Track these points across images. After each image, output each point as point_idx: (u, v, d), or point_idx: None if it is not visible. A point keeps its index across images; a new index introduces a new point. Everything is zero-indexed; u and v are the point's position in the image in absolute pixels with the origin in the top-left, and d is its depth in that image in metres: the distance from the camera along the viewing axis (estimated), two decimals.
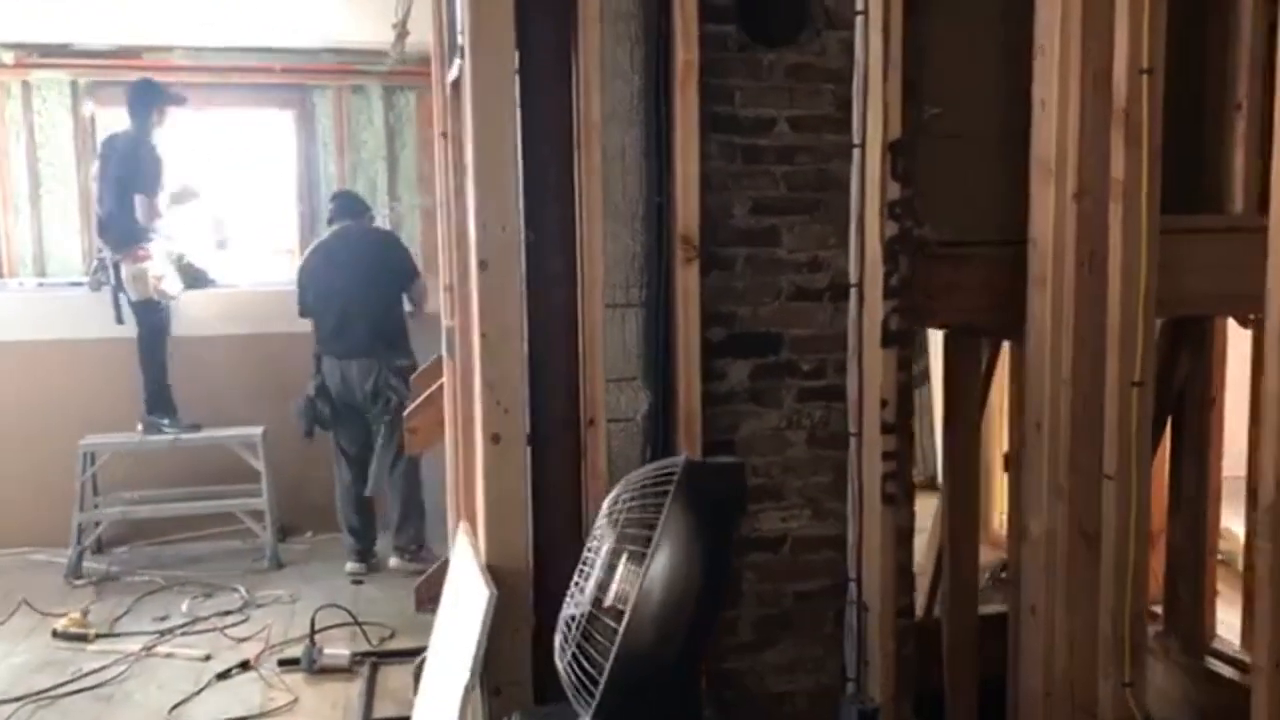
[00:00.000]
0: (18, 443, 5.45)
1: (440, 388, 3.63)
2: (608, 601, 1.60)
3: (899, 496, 2.40)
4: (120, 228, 5.15)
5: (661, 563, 1.50)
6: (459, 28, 2.28)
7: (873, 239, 2.34)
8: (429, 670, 2.55)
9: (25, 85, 5.74)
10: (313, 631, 4.00)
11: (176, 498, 5.31)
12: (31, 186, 5.79)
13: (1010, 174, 2.45)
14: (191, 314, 5.51)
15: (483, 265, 2.17)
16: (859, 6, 2.33)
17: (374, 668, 3.94)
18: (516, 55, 2.14)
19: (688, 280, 2.27)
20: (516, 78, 2.15)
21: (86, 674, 3.92)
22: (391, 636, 4.27)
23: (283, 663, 3.98)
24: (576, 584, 1.66)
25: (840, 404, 2.47)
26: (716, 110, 2.34)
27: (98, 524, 5.28)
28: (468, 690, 2.01)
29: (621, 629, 1.47)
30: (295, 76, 6.00)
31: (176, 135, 5.56)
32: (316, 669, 3.91)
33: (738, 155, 2.37)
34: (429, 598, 4.48)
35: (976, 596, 2.90)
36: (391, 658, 4.02)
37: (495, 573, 2.17)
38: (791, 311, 2.44)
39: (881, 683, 2.40)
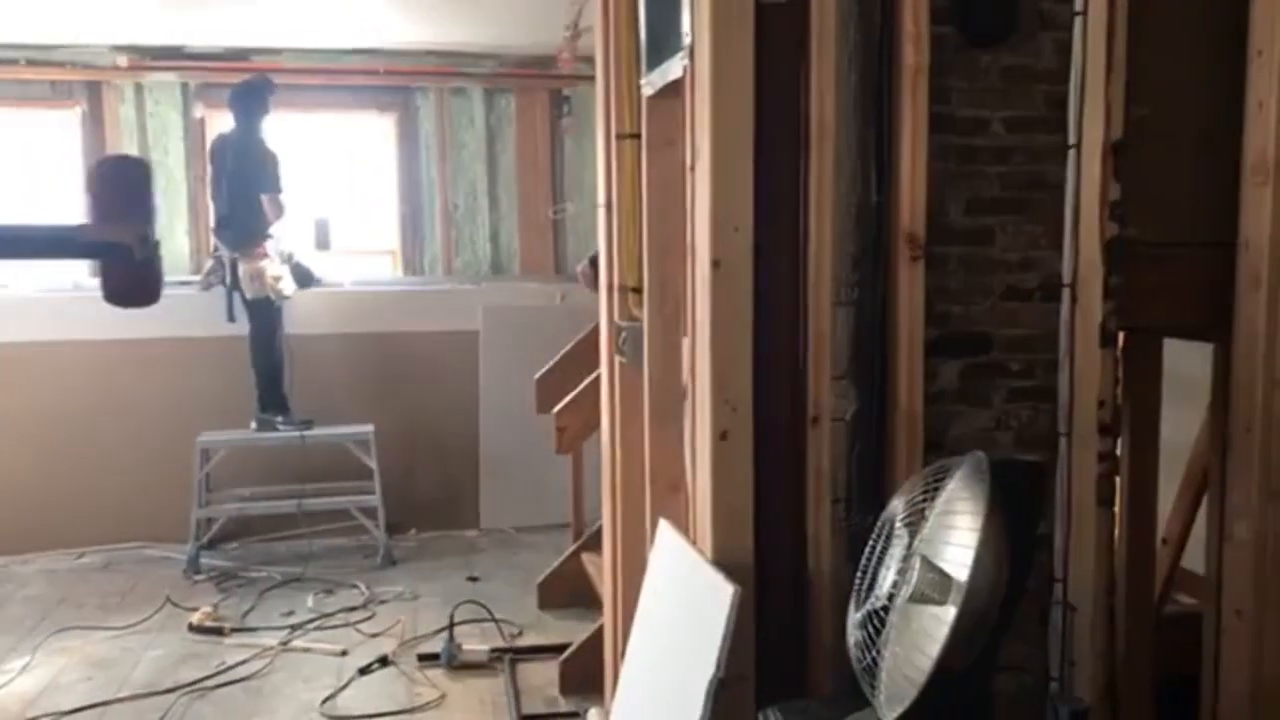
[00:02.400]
0: (132, 440, 5.55)
1: (590, 388, 3.65)
2: (902, 600, 1.61)
3: (1111, 498, 2.40)
4: (239, 227, 5.23)
5: (980, 563, 1.51)
6: (683, 29, 2.30)
7: (1090, 240, 2.34)
8: (635, 665, 2.56)
9: (138, 88, 5.83)
10: (452, 627, 4.04)
11: (289, 494, 5.38)
12: None
13: (1214, 175, 2.45)
14: (301, 313, 5.58)
15: (715, 265, 2.19)
16: (1078, 7, 2.33)
17: (513, 664, 3.97)
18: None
19: (912, 279, 2.28)
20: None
21: (230, 667, 3.98)
22: (520, 634, 4.31)
23: (422, 658, 4.03)
24: (861, 582, 1.67)
25: (1047, 405, 2.47)
26: (933, 110, 2.35)
27: (212, 521, 5.35)
28: (713, 683, 2.04)
29: (948, 628, 1.49)
30: (399, 79, 6.07)
31: (282, 136, 5.64)
32: (456, 664, 3.95)
33: (953, 155, 2.38)
34: (554, 597, 4.55)
35: (1154, 599, 2.90)
36: (528, 654, 4.05)
37: (723, 569, 2.18)
38: (1002, 311, 2.44)
39: (1091, 683, 2.40)
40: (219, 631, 4.32)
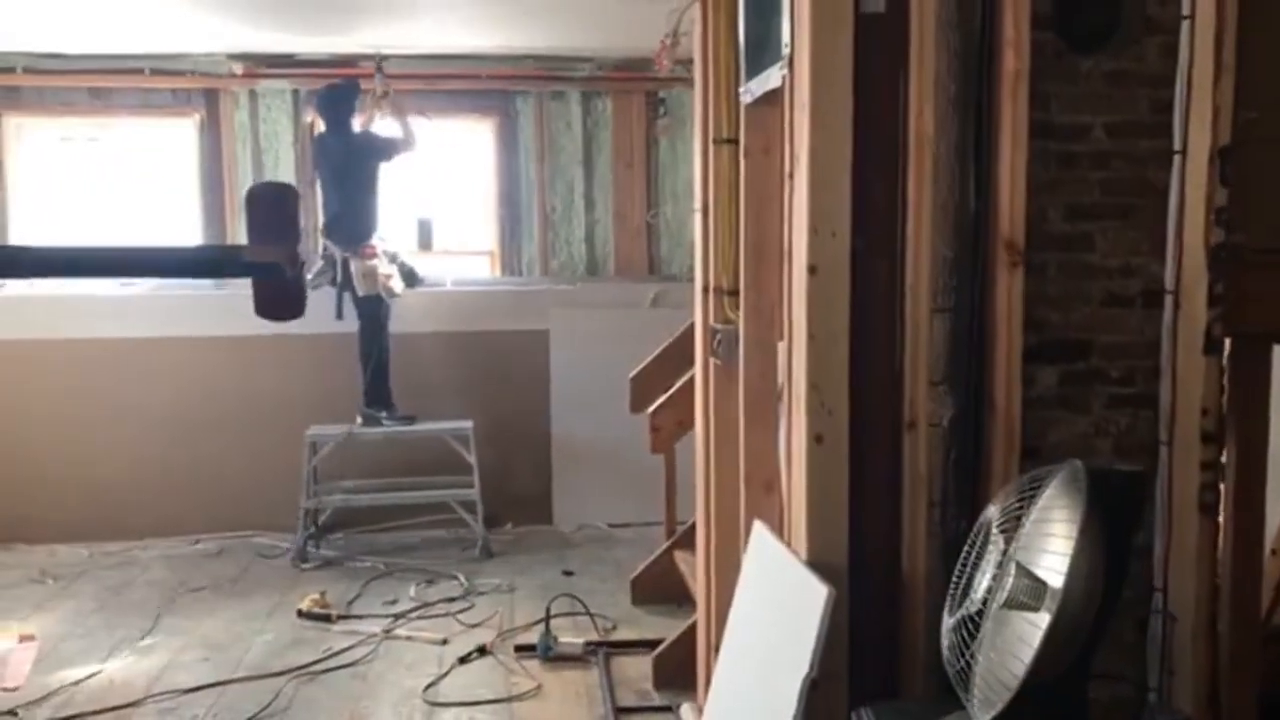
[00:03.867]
0: (246, 432, 5.79)
1: (684, 388, 3.71)
2: (996, 605, 1.63)
3: (1214, 506, 2.37)
4: (349, 226, 5.42)
5: (1075, 571, 1.53)
6: (783, 40, 2.34)
7: (1196, 246, 2.32)
8: (727, 661, 2.62)
9: (252, 95, 6.07)
10: (548, 620, 4.14)
11: (391, 487, 5.56)
12: None
13: None
14: (404, 312, 5.75)
15: (812, 270, 2.23)
16: (1185, 11, 2.31)
17: (607, 658, 4.05)
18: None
19: (1011, 285, 2.29)
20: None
21: (337, 653, 4.15)
22: (614, 628, 4.39)
23: (519, 649, 4.14)
24: (956, 586, 1.70)
25: (1147, 412, 2.45)
26: (1033, 116, 2.35)
27: (319, 511, 5.55)
28: (806, 682, 2.08)
29: (1042, 635, 1.51)
30: (499, 83, 6.20)
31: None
32: (552, 656, 4.05)
33: (1053, 161, 2.38)
34: (647, 593, 4.62)
35: (1260, 611, 2.84)
36: (622, 648, 4.13)
37: (817, 571, 2.22)
38: (1102, 318, 2.43)
39: (1192, 695, 2.37)
40: (326, 618, 4.50)
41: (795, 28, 2.27)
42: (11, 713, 3.64)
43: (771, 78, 2.45)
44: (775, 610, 2.38)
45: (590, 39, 5.80)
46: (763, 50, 2.56)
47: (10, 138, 6.01)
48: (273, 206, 1.19)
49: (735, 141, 2.87)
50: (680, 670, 3.69)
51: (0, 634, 4.33)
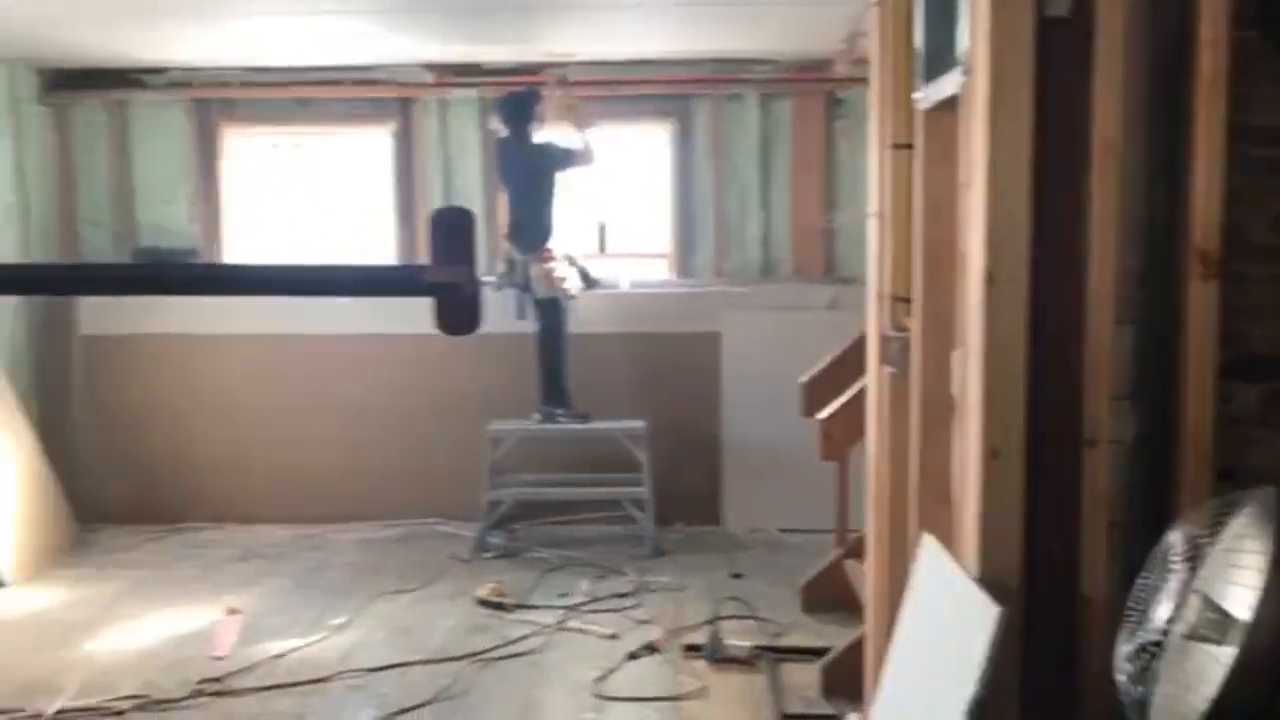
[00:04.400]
0: (432, 426, 6.07)
1: (857, 395, 3.67)
2: (1177, 635, 1.56)
3: None
4: (530, 230, 5.61)
5: (1265, 606, 1.45)
6: (960, 45, 2.30)
7: None
8: (894, 675, 2.59)
9: (442, 103, 6.36)
10: (716, 621, 4.18)
11: (566, 482, 5.72)
12: (445, 196, 6.40)
13: None
14: (582, 312, 5.90)
15: (989, 279, 2.18)
16: None
17: (774, 663, 4.05)
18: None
19: (1204, 298, 2.17)
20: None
21: (513, 641, 4.31)
22: (782, 634, 4.39)
23: (687, 648, 4.19)
24: (1134, 613, 1.64)
25: None
26: (1232, 120, 2.22)
27: (499, 503, 5.77)
28: (973, 703, 2.04)
29: (1227, 670, 1.44)
30: (677, 87, 6.28)
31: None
32: (718, 658, 4.09)
33: (1255, 168, 2.25)
34: (816, 600, 4.60)
35: None
36: (789, 654, 4.13)
37: (988, 589, 2.17)
38: None
39: None
40: (503, 607, 4.68)
41: (974, 33, 2.22)
42: (218, 679, 3.95)
43: (948, 83, 2.40)
44: (943, 626, 2.34)
45: (768, 41, 5.80)
46: (940, 55, 2.52)
47: (226, 148, 6.48)
48: (453, 229, 1.27)
49: (910, 147, 2.82)
50: (848, 680, 3.66)
51: (211, 607, 4.71)
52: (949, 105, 2.46)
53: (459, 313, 1.25)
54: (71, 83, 6.28)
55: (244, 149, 6.57)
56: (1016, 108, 2.15)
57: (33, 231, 6.11)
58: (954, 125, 2.44)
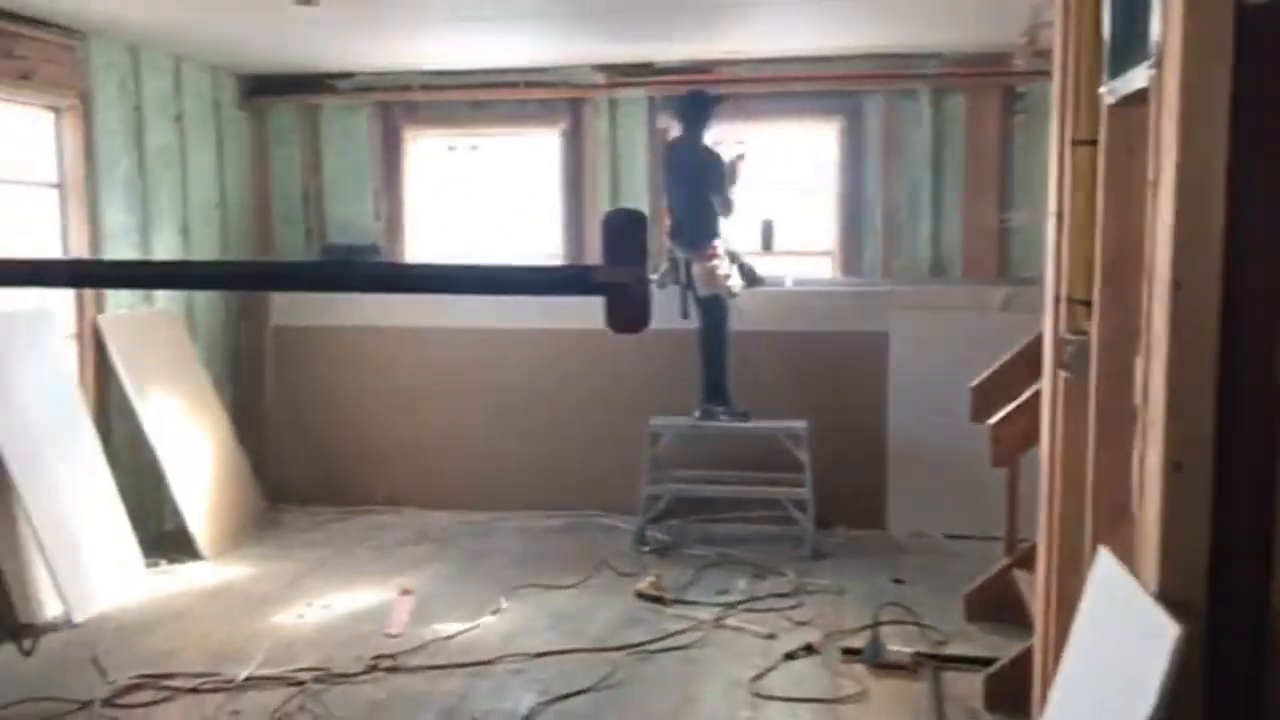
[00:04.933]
0: (593, 419, 6.19)
1: (1029, 401, 3.55)
2: None
3: None
4: (691, 230, 5.64)
5: None
6: (1151, 36, 2.19)
7: None
8: (1064, 693, 2.50)
9: (612, 103, 6.46)
10: (877, 626, 4.12)
11: (725, 480, 5.73)
12: (612, 195, 6.52)
13: None
14: (744, 311, 5.90)
15: (1176, 285, 2.07)
16: None
17: (936, 671, 3.96)
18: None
19: None
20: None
21: (669, 635, 4.35)
22: (945, 642, 4.28)
23: (845, 652, 4.14)
24: None
25: None
26: None
27: (658, 498, 5.83)
28: None
29: None
30: (847, 84, 6.19)
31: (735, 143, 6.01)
32: (878, 663, 4.02)
33: None
34: (981, 609, 4.46)
35: None
36: (952, 663, 4.03)
37: (1168, 607, 2.07)
38: None
39: None
40: (661, 601, 4.73)
41: (1167, 21, 2.11)
42: (392, 657, 4.14)
43: (1137, 77, 2.29)
44: (1119, 644, 2.24)
45: (942, 34, 5.66)
46: (1128, 46, 2.40)
47: (408, 149, 6.77)
48: (623, 232, 1.31)
49: (1094, 143, 2.71)
50: (1013, 693, 3.54)
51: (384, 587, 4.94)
52: (1137, 99, 2.35)
53: (627, 312, 1.29)
54: (267, 88, 6.68)
55: (424, 150, 6.85)
56: (1212, 102, 2.03)
57: (230, 229, 6.53)
58: (1142, 120, 2.32)
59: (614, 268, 1.24)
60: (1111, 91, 2.56)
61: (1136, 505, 2.33)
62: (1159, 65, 2.16)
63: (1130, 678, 2.10)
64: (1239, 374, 2.14)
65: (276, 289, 5.96)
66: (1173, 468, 2.12)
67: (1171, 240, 2.09)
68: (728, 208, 5.64)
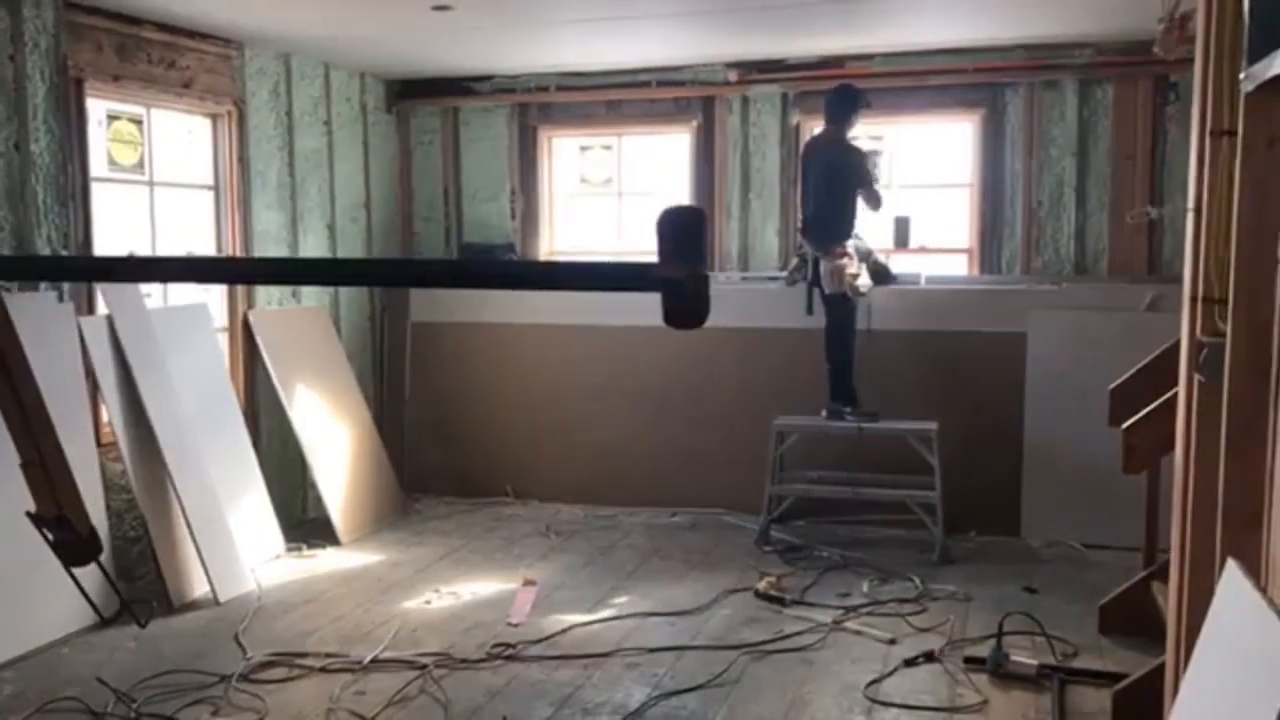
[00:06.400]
0: (721, 417, 6.18)
1: (1165, 405, 3.37)
2: None
3: None
4: (824, 227, 5.57)
5: None
6: None
7: None
8: (1183, 714, 2.37)
9: (744, 100, 6.44)
10: (1000, 635, 3.98)
11: (851, 481, 5.63)
12: (742, 192, 6.49)
13: None
14: (875, 309, 5.79)
15: None
16: None
17: (1062, 684, 3.81)
18: None
19: None
20: None
21: (787, 635, 4.31)
22: (1074, 655, 4.11)
23: (968, 660, 4.02)
24: None
25: None
26: None
27: (783, 497, 5.77)
28: None
29: None
30: (987, 75, 6.01)
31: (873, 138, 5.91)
32: (1002, 673, 3.89)
33: None
34: (1117, 622, 4.27)
35: None
36: (1080, 677, 3.86)
37: None
38: None
39: None
40: (780, 601, 4.69)
41: None
42: (512, 645, 4.23)
43: (1277, 62, 2.15)
44: (1244, 663, 2.11)
45: (1089, 23, 5.43)
46: (1270, 32, 2.25)
47: (544, 149, 6.91)
48: (681, 227, 1.31)
49: (1235, 133, 2.55)
50: (1144, 711, 3.36)
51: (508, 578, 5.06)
52: (1278, 86, 2.21)
53: (682, 308, 1.29)
54: (411, 91, 6.92)
55: (558, 150, 6.97)
56: None
57: (374, 228, 6.79)
58: None
59: (669, 264, 1.25)
60: (1250, 78, 2.41)
61: (1267, 516, 2.19)
62: None
63: (1258, 701, 1.98)
64: None
65: (399, 285, 6.18)
66: None
67: None
68: (876, 201, 5.56)
